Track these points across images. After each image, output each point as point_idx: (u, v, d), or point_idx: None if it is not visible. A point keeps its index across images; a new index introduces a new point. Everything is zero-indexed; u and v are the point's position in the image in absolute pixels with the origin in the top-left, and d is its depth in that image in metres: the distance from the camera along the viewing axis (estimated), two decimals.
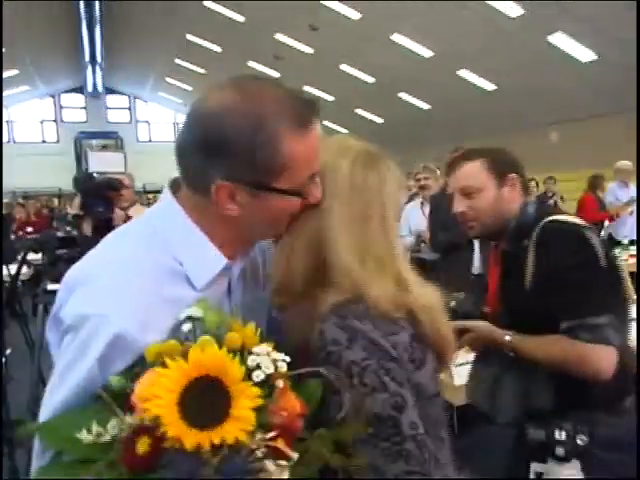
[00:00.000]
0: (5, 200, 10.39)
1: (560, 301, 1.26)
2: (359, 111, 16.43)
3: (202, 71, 17.25)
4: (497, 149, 1.48)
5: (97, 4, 12.36)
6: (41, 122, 21.78)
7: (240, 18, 12.62)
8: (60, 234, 5.53)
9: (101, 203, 2.33)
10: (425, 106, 14.20)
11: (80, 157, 20.82)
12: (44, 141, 21.61)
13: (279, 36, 12.99)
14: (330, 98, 16.14)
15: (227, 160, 0.77)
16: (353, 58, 13.02)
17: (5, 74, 17.10)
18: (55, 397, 0.72)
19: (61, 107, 22.06)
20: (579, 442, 1.22)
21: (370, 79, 13.85)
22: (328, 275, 0.81)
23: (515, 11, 8.97)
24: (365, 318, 0.77)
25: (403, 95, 14.06)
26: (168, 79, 19.43)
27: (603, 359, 1.21)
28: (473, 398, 1.56)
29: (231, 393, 0.58)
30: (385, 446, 0.74)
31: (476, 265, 3.44)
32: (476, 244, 3.42)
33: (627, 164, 5.68)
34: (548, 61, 9.73)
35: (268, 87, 0.83)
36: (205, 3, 12.34)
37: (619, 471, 1.22)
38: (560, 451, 1.22)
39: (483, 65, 10.95)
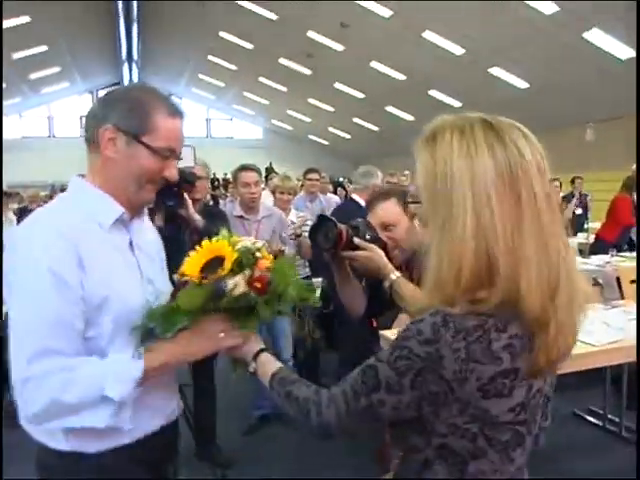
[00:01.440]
0: (44, 193, 10.73)
1: None
2: (390, 108, 16.37)
3: (234, 68, 17.46)
4: (401, 189, 1.82)
5: (135, 3, 12.64)
6: (80, 118, 22.43)
7: (272, 16, 12.72)
8: None
9: (172, 197, 2.33)
10: (456, 104, 14.05)
11: None
12: (82, 136, 22.24)
13: (311, 33, 13.04)
14: (360, 95, 16.15)
15: (114, 112, 1.11)
16: (384, 55, 12.98)
17: (48, 72, 17.73)
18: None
19: None
20: None
21: (401, 76, 13.79)
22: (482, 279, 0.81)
23: (550, 8, 8.80)
24: (468, 334, 0.79)
25: (434, 93, 13.95)
26: (201, 75, 19.73)
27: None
28: None
29: (225, 260, 1.09)
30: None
31: None
32: None
33: None
34: (583, 58, 9.54)
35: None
36: (239, 2, 12.49)
37: None
38: None
39: (515, 63, 10.79)
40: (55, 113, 22.04)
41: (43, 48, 15.36)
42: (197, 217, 2.61)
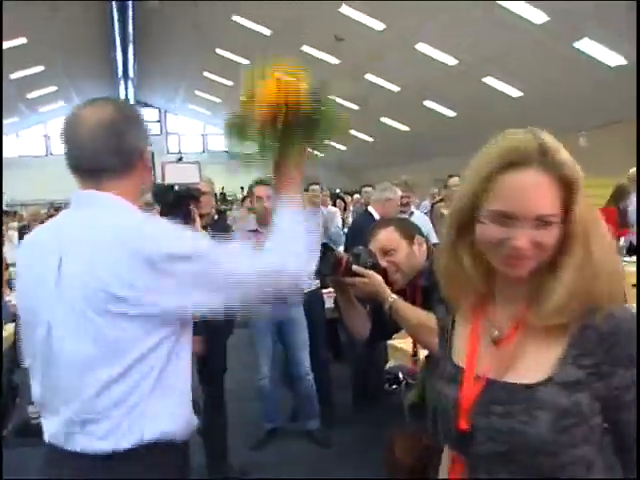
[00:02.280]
0: (43, 211, 10.75)
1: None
2: (385, 119, 16.48)
3: (230, 83, 17.59)
4: (404, 222, 2.04)
5: (130, 22, 12.78)
6: None
7: (267, 32, 12.86)
8: None
9: (181, 214, 2.29)
10: (451, 114, 14.18)
11: None
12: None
13: (305, 47, 13.18)
14: (355, 107, 16.26)
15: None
16: (378, 67, 13.13)
17: (45, 91, 17.89)
18: None
19: None
20: None
21: (395, 88, 13.92)
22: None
23: (540, 17, 8.94)
24: None
25: (428, 103, 14.08)
26: (197, 92, 19.87)
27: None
28: None
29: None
30: None
31: None
32: None
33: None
34: (575, 66, 9.66)
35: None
36: (233, 18, 12.64)
37: None
38: None
39: (508, 72, 10.92)
40: (52, 131, 22.14)
41: (40, 68, 15.49)
42: (203, 232, 2.64)
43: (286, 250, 1.19)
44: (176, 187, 2.25)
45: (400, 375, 2.91)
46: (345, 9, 10.78)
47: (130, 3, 11.64)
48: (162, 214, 1.45)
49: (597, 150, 11.16)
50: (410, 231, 1.89)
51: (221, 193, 18.95)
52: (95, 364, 1.11)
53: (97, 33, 14.45)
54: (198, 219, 2.61)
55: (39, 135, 22.11)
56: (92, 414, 1.11)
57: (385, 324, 1.76)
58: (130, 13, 12.31)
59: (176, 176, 1.79)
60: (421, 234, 1.90)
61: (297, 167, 1.31)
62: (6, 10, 11.07)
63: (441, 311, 1.44)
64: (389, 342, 2.77)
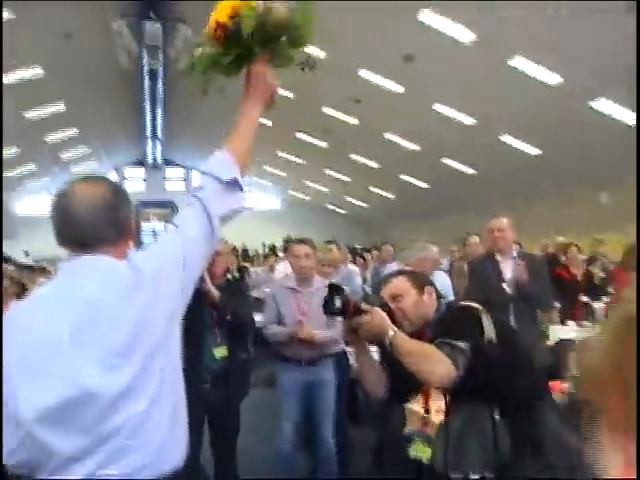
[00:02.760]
0: None
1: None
2: (404, 176, 16.73)
3: None
4: (416, 272, 2.10)
5: (160, 85, 13.48)
6: None
7: (289, 94, 13.39)
8: None
9: None
10: (470, 171, 14.34)
11: (139, 224, 21.98)
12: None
13: (325, 109, 13.65)
14: (375, 165, 16.60)
15: (130, 204, 1.36)
16: (397, 127, 13.47)
17: (77, 152, 18.72)
18: None
19: (123, 179, 23.60)
20: None
21: (414, 146, 14.21)
22: None
23: (554, 79, 9.15)
24: None
25: (447, 161, 14.29)
26: None
27: (441, 367, 1.54)
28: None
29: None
30: None
31: None
32: (511, 308, 3.36)
33: None
34: (592, 124, 9.77)
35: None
36: None
37: None
38: None
39: (525, 130, 11.10)
40: None
41: (73, 130, 16.29)
42: (214, 292, 2.68)
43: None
44: None
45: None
46: (363, 72, 11.21)
47: (160, 68, 12.31)
48: None
49: (615, 206, 11.10)
50: (421, 281, 1.91)
51: (243, 250, 19.21)
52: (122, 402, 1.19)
53: (128, 97, 15.25)
54: (208, 278, 2.67)
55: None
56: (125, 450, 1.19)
57: (406, 382, 1.74)
58: (160, 77, 13.00)
59: None
60: (433, 286, 1.92)
61: (260, 79, 1.51)
62: (47, 78, 11.86)
63: (444, 350, 1.54)
64: (406, 405, 2.71)
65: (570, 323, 4.84)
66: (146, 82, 13.17)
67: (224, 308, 2.86)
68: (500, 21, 8.20)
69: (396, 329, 1.66)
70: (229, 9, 1.41)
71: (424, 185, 16.72)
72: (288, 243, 5.51)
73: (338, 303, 1.68)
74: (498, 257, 3.54)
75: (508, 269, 3.46)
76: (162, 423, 1.23)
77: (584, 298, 4.91)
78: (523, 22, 8.00)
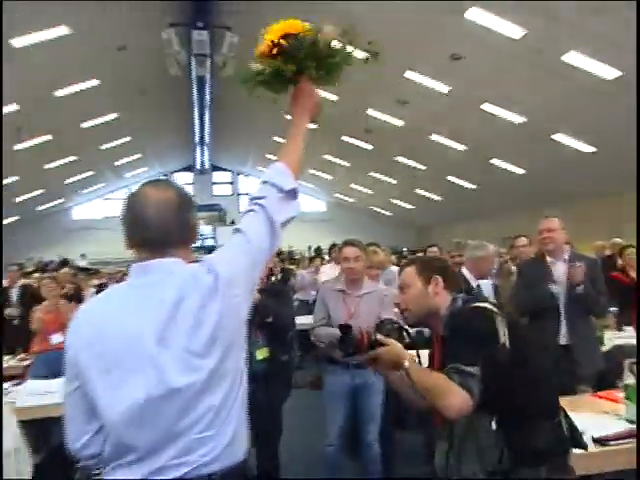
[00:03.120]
0: (121, 268, 11.35)
1: (449, 349, 1.67)
2: (451, 178, 16.45)
3: None
4: (430, 257, 2.16)
5: (207, 92, 13.82)
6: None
7: (334, 97, 13.44)
8: None
9: None
10: (519, 171, 13.95)
11: None
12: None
13: (370, 111, 13.61)
14: (422, 167, 16.41)
15: (195, 208, 1.45)
16: (443, 128, 13.27)
17: (130, 158, 19.50)
18: None
19: None
20: None
21: (461, 147, 13.95)
22: None
23: (612, 73, 8.78)
24: None
25: (495, 161, 13.96)
26: (267, 155, 20.82)
27: (456, 399, 1.53)
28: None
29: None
30: None
31: (562, 333, 3.31)
32: (562, 312, 3.29)
33: None
34: None
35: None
36: None
37: None
38: None
39: (579, 128, 10.69)
40: None
41: (127, 138, 16.96)
42: (256, 294, 2.72)
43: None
44: None
45: None
46: (409, 74, 11.11)
47: (208, 76, 12.61)
48: None
49: None
50: (430, 271, 1.89)
51: (289, 252, 19.40)
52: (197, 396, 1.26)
53: (177, 104, 15.74)
54: None
55: (123, 199, 23.78)
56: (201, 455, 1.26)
57: None
58: (207, 84, 13.33)
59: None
60: (443, 274, 1.89)
61: (308, 96, 1.65)
62: (102, 89, 12.40)
63: (456, 379, 1.55)
64: None
65: (627, 329, 4.62)
66: (194, 89, 13.54)
67: (265, 310, 2.89)
68: (551, 15, 7.95)
69: (408, 363, 1.67)
70: (283, 30, 1.57)
71: (472, 186, 16.39)
72: (335, 247, 5.51)
73: (350, 345, 1.73)
74: (548, 259, 3.43)
75: (559, 271, 3.35)
76: (233, 418, 1.31)
77: None
78: (576, 15, 7.73)
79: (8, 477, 2.66)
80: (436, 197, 18.85)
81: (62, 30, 9.69)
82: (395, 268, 5.65)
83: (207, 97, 14.16)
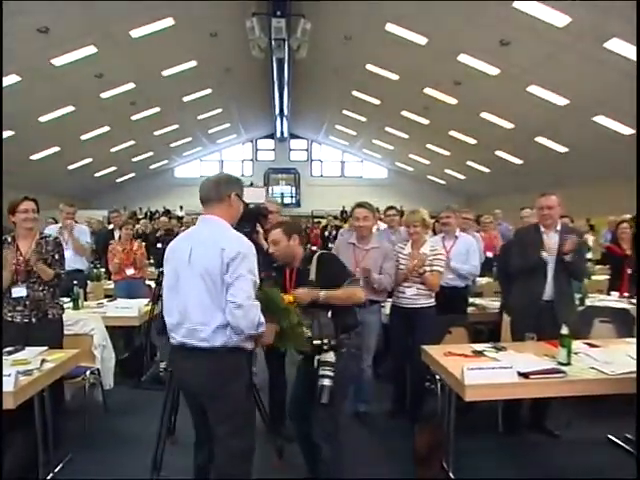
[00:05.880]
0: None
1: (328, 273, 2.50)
2: (499, 153, 15.93)
3: (364, 120, 18.35)
4: (292, 222, 2.88)
5: (286, 70, 14.10)
6: (242, 161, 25.06)
7: (394, 77, 13.33)
8: None
9: (248, 225, 2.76)
10: (562, 149, 13.30)
11: (268, 187, 23.54)
12: (243, 175, 24.83)
13: (427, 90, 13.39)
14: (473, 141, 15.99)
15: (235, 186, 2.16)
16: (493, 107, 12.85)
17: (221, 127, 20.34)
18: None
19: (257, 150, 25.13)
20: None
21: (509, 125, 13.47)
22: None
23: None
24: None
25: (540, 139, 13.38)
26: (337, 126, 20.99)
27: (360, 293, 2.52)
28: None
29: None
30: None
31: (547, 291, 3.37)
32: (550, 275, 3.35)
33: None
34: None
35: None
36: (367, 66, 13.33)
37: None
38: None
39: (619, 110, 10.05)
40: (225, 157, 24.92)
41: (218, 110, 17.72)
42: (263, 243, 3.07)
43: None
44: (251, 205, 2.86)
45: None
46: (462, 57, 10.84)
47: (286, 58, 12.86)
48: (236, 226, 2.22)
49: None
50: (291, 231, 2.57)
51: (341, 212, 19.74)
52: (206, 305, 1.95)
53: (260, 82, 16.17)
54: (261, 231, 3.13)
55: (216, 160, 24.99)
56: (200, 329, 1.97)
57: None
58: (286, 65, 13.59)
59: (248, 196, 2.39)
60: (300, 234, 2.62)
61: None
62: (199, 69, 13.06)
63: (355, 284, 2.54)
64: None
65: (613, 294, 4.69)
66: (275, 69, 13.83)
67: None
68: (594, 4, 7.50)
69: (323, 292, 2.39)
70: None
71: (518, 161, 15.80)
72: (390, 209, 5.51)
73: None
74: (542, 229, 3.46)
75: (552, 240, 3.39)
76: (216, 312, 1.95)
77: (629, 271, 4.65)
78: (617, 4, 7.25)
79: (97, 364, 3.54)
80: (485, 169, 18.31)
81: (169, 21, 10.34)
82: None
83: (285, 76, 14.44)
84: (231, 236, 2.01)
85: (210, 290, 1.94)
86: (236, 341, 1.96)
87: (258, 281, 2.00)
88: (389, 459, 3.10)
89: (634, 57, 8.29)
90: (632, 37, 7.95)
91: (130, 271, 5.29)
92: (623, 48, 8.25)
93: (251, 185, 21.19)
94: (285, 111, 18.87)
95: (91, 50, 10.21)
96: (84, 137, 14.94)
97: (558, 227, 3.47)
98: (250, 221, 2.81)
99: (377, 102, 15.95)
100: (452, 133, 16.03)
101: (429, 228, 3.69)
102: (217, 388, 1.97)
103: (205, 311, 1.94)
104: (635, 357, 2.63)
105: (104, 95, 12.62)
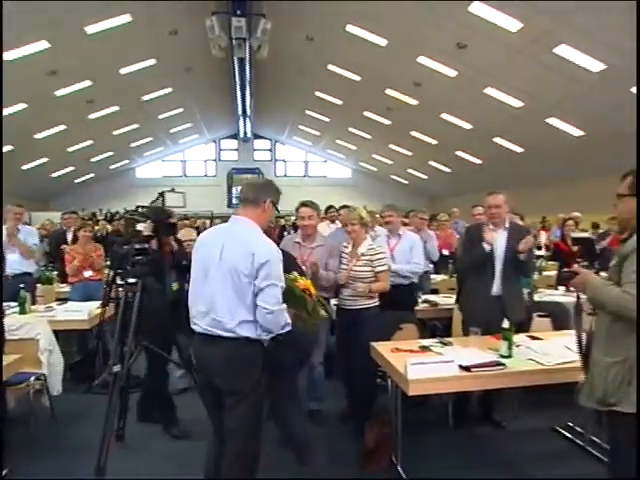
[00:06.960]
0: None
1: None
2: (459, 153, 16.33)
3: (327, 120, 18.44)
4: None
5: (247, 70, 13.98)
6: (205, 161, 24.71)
7: (356, 77, 13.47)
8: None
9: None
10: (519, 149, 13.78)
11: (231, 188, 23.31)
12: (206, 175, 24.48)
13: (389, 91, 13.59)
14: (434, 142, 16.33)
15: (272, 193, 2.31)
16: (452, 108, 13.16)
17: (183, 127, 19.97)
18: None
19: (220, 150, 24.84)
20: None
21: (468, 126, 13.83)
22: None
23: (597, 66, 8.60)
24: None
25: (498, 140, 13.80)
26: (301, 126, 20.98)
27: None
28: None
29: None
30: None
31: (495, 286, 3.44)
32: (498, 270, 3.43)
33: None
34: (633, 108, 9.10)
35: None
36: (329, 67, 13.41)
37: None
38: None
39: (570, 114, 10.50)
40: (188, 157, 24.51)
41: (180, 110, 17.42)
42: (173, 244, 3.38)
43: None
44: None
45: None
46: (422, 59, 11.05)
47: (247, 57, 12.76)
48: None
49: None
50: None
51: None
52: (232, 300, 2.10)
53: (222, 81, 15.99)
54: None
55: (178, 161, 24.54)
56: (226, 322, 2.11)
57: None
58: (247, 65, 13.48)
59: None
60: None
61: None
62: (158, 68, 12.79)
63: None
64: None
65: (560, 288, 4.87)
66: (236, 69, 13.70)
67: (178, 257, 3.54)
68: (544, 11, 7.81)
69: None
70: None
71: (477, 161, 16.25)
72: (330, 208, 5.70)
73: None
74: (490, 226, 3.52)
75: (501, 238, 3.47)
76: (240, 308, 2.11)
77: (575, 266, 4.82)
78: (567, 12, 7.58)
79: (44, 369, 3.44)
80: (446, 169, 18.73)
81: (126, 18, 10.09)
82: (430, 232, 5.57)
83: (247, 75, 14.33)
84: (261, 241, 2.14)
85: (236, 287, 2.09)
86: (259, 334, 2.13)
87: (284, 285, 2.16)
88: (338, 459, 3.14)
89: (582, 63, 8.69)
90: (579, 43, 8.35)
91: (88, 273, 5.17)
92: (571, 54, 8.62)
93: (172, 191, 20.92)
94: (248, 111, 18.72)
95: (43, 45, 9.86)
96: (38, 136, 14.39)
97: (507, 224, 3.55)
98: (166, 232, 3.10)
99: (340, 102, 16.06)
100: (414, 133, 16.32)
101: (368, 227, 3.68)
102: (236, 371, 2.15)
103: (230, 306, 2.10)
104: (572, 348, 2.74)
105: (59, 93, 12.20)
